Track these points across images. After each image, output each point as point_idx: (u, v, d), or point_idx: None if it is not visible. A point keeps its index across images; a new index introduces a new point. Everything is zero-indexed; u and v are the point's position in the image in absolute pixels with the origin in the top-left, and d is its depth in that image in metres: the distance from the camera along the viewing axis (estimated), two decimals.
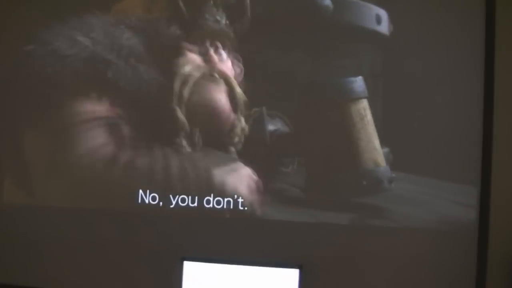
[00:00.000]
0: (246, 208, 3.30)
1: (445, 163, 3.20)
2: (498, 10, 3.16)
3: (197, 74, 3.29)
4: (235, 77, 3.29)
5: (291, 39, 3.25)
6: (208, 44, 3.30)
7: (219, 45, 3.29)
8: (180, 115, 3.27)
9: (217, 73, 3.30)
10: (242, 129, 3.29)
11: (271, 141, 3.29)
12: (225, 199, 3.30)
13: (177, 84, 3.27)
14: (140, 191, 3.33)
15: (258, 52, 3.26)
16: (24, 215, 3.40)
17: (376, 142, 3.24)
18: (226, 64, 3.30)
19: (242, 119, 3.29)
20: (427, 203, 3.21)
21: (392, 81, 3.24)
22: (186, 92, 3.28)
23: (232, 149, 3.29)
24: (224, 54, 3.30)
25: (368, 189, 3.23)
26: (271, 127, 3.29)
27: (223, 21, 3.28)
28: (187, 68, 3.28)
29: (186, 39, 3.30)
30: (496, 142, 3.18)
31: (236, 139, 3.29)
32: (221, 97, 3.29)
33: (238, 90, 3.29)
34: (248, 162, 3.29)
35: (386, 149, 3.24)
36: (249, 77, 3.28)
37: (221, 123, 3.29)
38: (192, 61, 3.29)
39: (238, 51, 3.29)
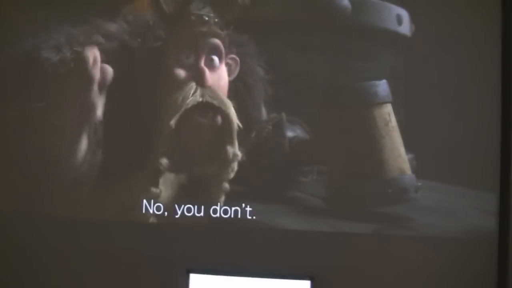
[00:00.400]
0: (254, 218, 3.11)
1: (468, 170, 3.05)
2: None
3: (186, 105, 3.09)
4: (229, 74, 3.13)
5: (309, 42, 3.14)
6: (198, 53, 3.12)
7: (210, 50, 3.13)
8: (164, 162, 3.12)
9: (209, 96, 3.10)
10: (235, 155, 3.12)
11: (290, 148, 3.12)
12: (233, 208, 3.12)
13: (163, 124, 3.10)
14: (144, 201, 3.15)
15: (276, 55, 3.13)
16: (23, 224, 3.22)
17: (402, 148, 3.07)
18: (220, 72, 3.13)
19: (236, 145, 3.11)
20: (449, 211, 3.04)
21: (414, 84, 3.10)
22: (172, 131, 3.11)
23: (226, 185, 3.13)
24: (216, 60, 3.13)
25: (393, 198, 3.04)
26: (290, 133, 3.13)
27: (212, 20, 3.13)
28: (174, 97, 3.10)
29: (173, 49, 3.13)
30: None
31: (231, 173, 3.13)
32: (208, 133, 3.11)
33: (233, 117, 3.10)
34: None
35: (410, 156, 3.07)
36: (267, 82, 3.14)
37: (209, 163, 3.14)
38: (180, 85, 3.10)
39: (232, 44, 3.15)
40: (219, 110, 3.10)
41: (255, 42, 3.14)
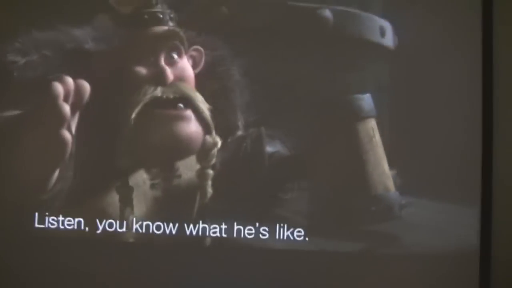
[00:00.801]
0: (231, 236, 2.97)
1: (450, 186, 2.99)
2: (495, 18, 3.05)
3: (150, 107, 2.95)
4: (195, 66, 3.01)
5: (290, 54, 3.00)
6: (157, 52, 2.98)
7: (169, 49, 2.99)
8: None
9: (171, 92, 2.96)
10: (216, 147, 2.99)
11: (269, 164, 2.97)
12: (208, 227, 2.97)
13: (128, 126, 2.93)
14: (115, 220, 2.97)
15: (255, 68, 2.99)
16: None
17: (385, 165, 2.98)
18: (181, 66, 3.00)
19: (216, 137, 2.98)
20: (432, 227, 2.98)
21: (396, 98, 3.03)
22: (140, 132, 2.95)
23: (210, 171, 2.98)
24: (175, 56, 2.99)
25: (377, 216, 2.96)
26: (269, 148, 2.98)
27: (167, 16, 2.99)
28: (135, 98, 2.95)
29: (133, 51, 2.99)
30: (496, 161, 3.02)
31: (213, 161, 2.98)
32: (186, 129, 2.97)
33: (203, 108, 2.97)
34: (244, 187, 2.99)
35: (393, 172, 2.99)
36: (246, 95, 3.00)
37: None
38: (140, 86, 2.96)
39: (208, 47, 3.02)
40: (185, 102, 2.96)
41: (235, 52, 2.99)
